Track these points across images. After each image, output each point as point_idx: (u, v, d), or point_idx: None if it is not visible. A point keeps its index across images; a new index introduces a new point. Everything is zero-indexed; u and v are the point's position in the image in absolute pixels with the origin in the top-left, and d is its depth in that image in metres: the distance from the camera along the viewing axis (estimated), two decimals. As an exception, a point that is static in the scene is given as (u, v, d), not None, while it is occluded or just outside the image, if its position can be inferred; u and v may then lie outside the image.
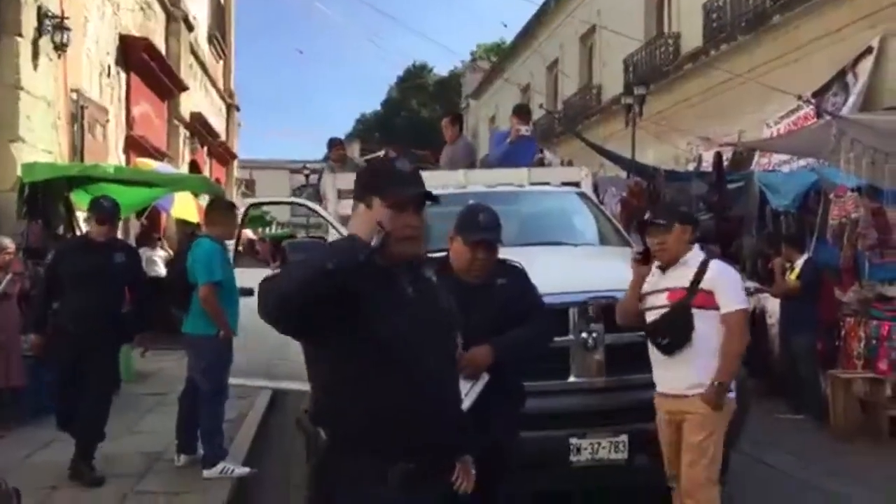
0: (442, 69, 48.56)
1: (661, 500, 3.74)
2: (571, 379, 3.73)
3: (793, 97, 10.24)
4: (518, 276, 3.11)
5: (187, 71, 15.22)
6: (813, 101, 10.42)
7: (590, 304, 3.73)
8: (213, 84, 19.47)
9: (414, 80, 47.57)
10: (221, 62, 21.08)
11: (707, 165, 12.68)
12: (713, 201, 10.02)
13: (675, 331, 3.35)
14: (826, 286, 7.27)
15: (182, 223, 12.50)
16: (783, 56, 12.77)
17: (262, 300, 1.76)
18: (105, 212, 4.98)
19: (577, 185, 6.19)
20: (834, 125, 7.13)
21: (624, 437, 3.63)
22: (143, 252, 11.64)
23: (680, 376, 3.36)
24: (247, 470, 5.00)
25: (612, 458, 3.64)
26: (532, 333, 3.02)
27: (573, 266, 4.45)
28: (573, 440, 3.61)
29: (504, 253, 4.61)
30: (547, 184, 6.06)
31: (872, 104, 10.50)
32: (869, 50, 10.82)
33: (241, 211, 6.07)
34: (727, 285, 3.39)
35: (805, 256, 7.36)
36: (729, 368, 3.34)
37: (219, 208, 5.55)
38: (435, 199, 1.92)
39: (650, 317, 3.46)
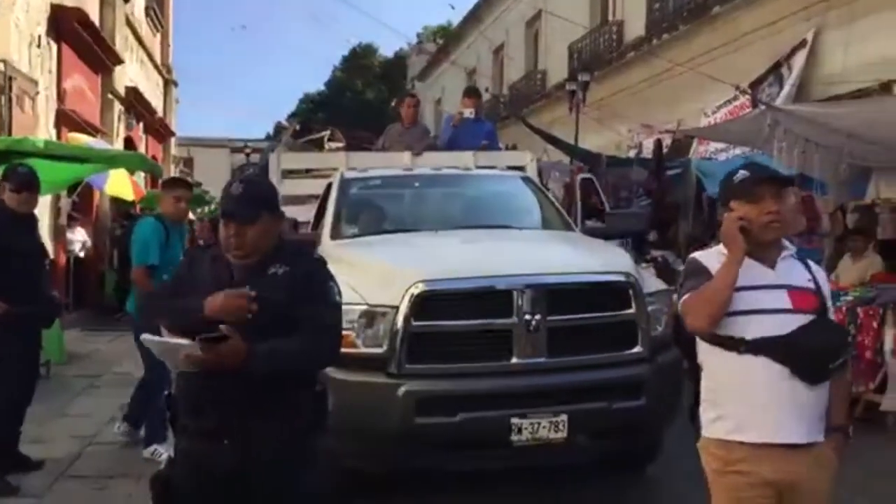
0: (388, 50, 48.12)
1: (600, 479, 3.82)
2: (514, 360, 3.76)
3: (730, 87, 10.50)
4: (309, 268, 2.50)
5: (123, 44, 14.66)
6: (749, 91, 10.71)
7: (533, 286, 3.76)
8: (150, 58, 18.83)
9: (359, 60, 46.96)
10: (159, 35, 20.39)
11: (647, 152, 12.93)
12: (652, 188, 10.24)
13: (832, 351, 2.36)
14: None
15: (117, 201, 12.11)
16: (722, 46, 13.06)
17: None
18: (23, 178, 4.38)
19: (522, 169, 6.23)
20: (768, 115, 7.33)
21: (563, 417, 3.68)
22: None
23: (806, 417, 2.32)
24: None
25: (551, 438, 3.69)
26: (306, 346, 2.35)
27: (517, 249, 4.49)
28: (514, 420, 3.64)
29: (448, 235, 4.67)
30: (493, 167, 6.08)
31: (805, 96, 10.84)
32: (803, 43, 11.16)
33: None
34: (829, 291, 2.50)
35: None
36: (848, 406, 2.59)
37: (174, 186, 5.29)
38: None
39: (760, 324, 2.32)
